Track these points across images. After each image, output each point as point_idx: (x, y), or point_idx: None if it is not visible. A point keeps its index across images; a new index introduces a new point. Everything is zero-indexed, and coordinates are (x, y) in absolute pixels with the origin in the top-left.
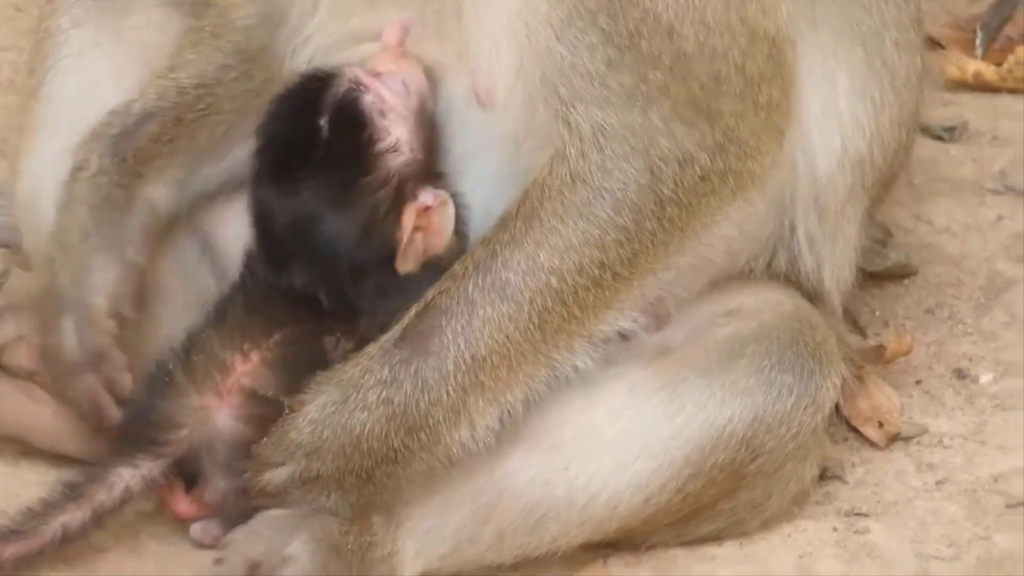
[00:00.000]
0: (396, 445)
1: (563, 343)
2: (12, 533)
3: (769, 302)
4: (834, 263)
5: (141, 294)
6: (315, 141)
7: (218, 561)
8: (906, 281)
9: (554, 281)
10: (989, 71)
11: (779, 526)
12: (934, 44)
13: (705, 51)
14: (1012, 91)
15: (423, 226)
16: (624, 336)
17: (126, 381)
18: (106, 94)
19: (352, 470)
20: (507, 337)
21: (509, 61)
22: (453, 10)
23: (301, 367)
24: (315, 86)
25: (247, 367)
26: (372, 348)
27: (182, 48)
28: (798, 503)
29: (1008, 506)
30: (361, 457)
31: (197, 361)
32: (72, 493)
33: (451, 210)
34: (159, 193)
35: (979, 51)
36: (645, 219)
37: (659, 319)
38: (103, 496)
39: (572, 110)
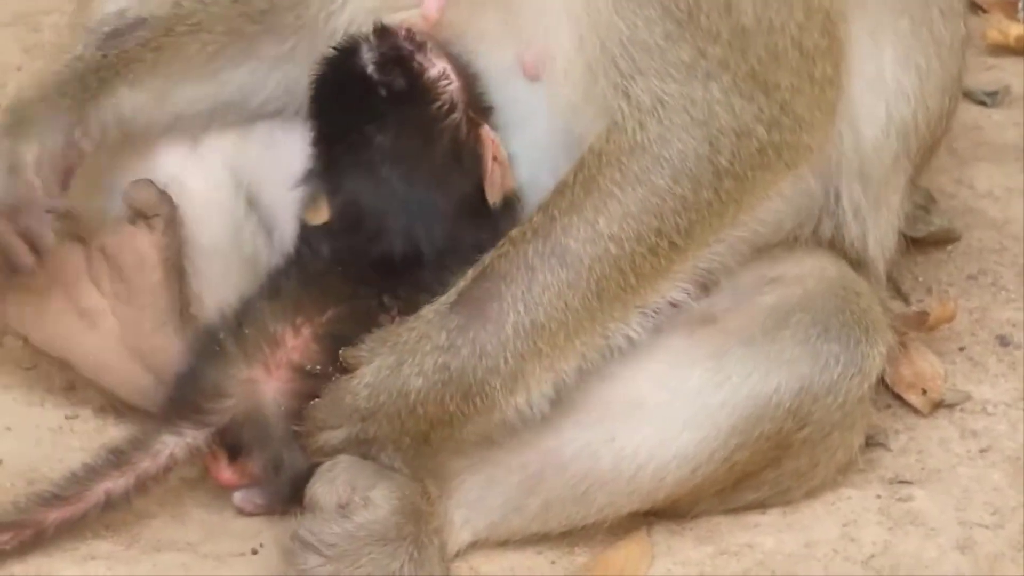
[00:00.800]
0: (452, 410)
1: (618, 312)
2: (56, 498)
3: (813, 269)
4: (879, 230)
5: (68, 179)
6: (370, 89)
7: (309, 508)
8: (949, 247)
9: (613, 248)
10: None
11: (823, 494)
12: (976, 8)
13: (763, 25)
14: None
15: (498, 156)
16: (673, 304)
17: (47, 237)
18: None
19: (408, 432)
20: (566, 304)
21: (568, 35)
22: None
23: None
24: (348, 47)
25: (297, 342)
26: (427, 312)
27: None
28: (843, 471)
29: None
30: (416, 421)
31: (248, 333)
32: (116, 459)
33: (506, 153)
34: (133, 98)
35: (1021, 15)
36: (703, 189)
37: (706, 288)
38: (147, 463)
39: (632, 82)
